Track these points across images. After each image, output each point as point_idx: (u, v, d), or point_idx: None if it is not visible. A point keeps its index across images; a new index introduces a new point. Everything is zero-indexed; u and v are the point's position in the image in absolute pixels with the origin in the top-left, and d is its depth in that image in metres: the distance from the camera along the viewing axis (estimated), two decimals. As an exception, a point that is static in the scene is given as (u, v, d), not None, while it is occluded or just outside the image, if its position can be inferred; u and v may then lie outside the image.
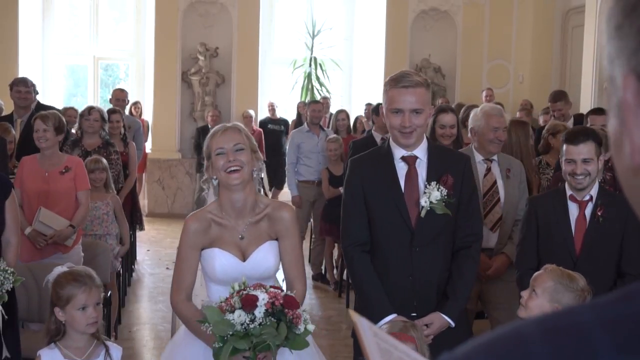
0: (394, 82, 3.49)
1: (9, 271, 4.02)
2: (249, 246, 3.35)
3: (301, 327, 3.02)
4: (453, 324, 3.51)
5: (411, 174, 3.55)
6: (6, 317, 4.17)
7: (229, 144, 3.27)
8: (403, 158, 3.56)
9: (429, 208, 3.47)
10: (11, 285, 4.05)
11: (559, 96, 8.31)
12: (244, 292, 3.01)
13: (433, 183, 3.48)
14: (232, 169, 3.25)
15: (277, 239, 3.40)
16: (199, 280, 3.48)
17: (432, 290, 3.55)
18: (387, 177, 3.55)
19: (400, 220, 3.50)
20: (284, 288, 3.20)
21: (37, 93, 8.11)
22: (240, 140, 3.29)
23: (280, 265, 3.47)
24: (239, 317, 2.95)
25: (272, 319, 2.99)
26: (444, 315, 3.50)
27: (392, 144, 3.59)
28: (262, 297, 2.98)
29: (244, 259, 3.33)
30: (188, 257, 3.35)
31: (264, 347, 2.98)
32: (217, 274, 3.31)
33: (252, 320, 2.96)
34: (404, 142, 3.52)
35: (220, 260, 3.31)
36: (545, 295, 3.20)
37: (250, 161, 3.30)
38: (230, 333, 2.96)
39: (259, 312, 2.96)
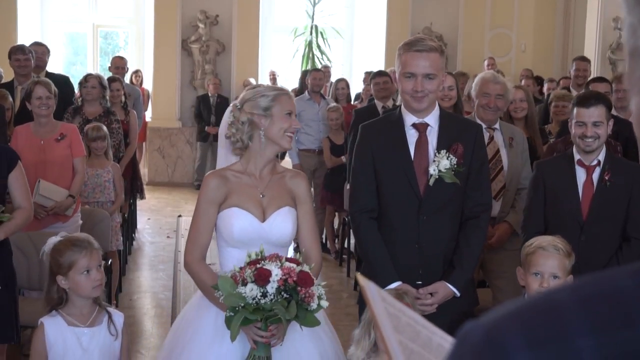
0: (408, 46, 3.45)
1: None
2: (269, 206, 3.30)
3: (313, 305, 2.98)
4: (458, 294, 3.48)
5: (421, 142, 3.51)
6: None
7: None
8: (414, 125, 3.53)
9: (437, 176, 3.43)
10: None
11: (586, 59, 8.90)
12: (258, 266, 2.98)
13: (443, 151, 3.45)
14: (290, 134, 3.31)
15: (294, 208, 3.36)
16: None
17: (438, 259, 3.52)
18: (397, 144, 3.51)
19: (409, 188, 3.47)
20: (301, 260, 3.14)
21: (49, 53, 8.39)
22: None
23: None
24: (250, 290, 2.92)
25: (284, 294, 2.96)
26: (449, 285, 3.47)
27: (404, 110, 3.55)
28: (276, 273, 2.94)
29: (263, 219, 3.29)
30: (206, 213, 3.27)
31: (276, 320, 2.97)
32: (234, 235, 3.25)
33: (264, 295, 2.93)
34: (416, 106, 3.47)
35: (239, 219, 3.25)
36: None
37: None
38: (242, 305, 2.94)
39: (271, 287, 2.93)
